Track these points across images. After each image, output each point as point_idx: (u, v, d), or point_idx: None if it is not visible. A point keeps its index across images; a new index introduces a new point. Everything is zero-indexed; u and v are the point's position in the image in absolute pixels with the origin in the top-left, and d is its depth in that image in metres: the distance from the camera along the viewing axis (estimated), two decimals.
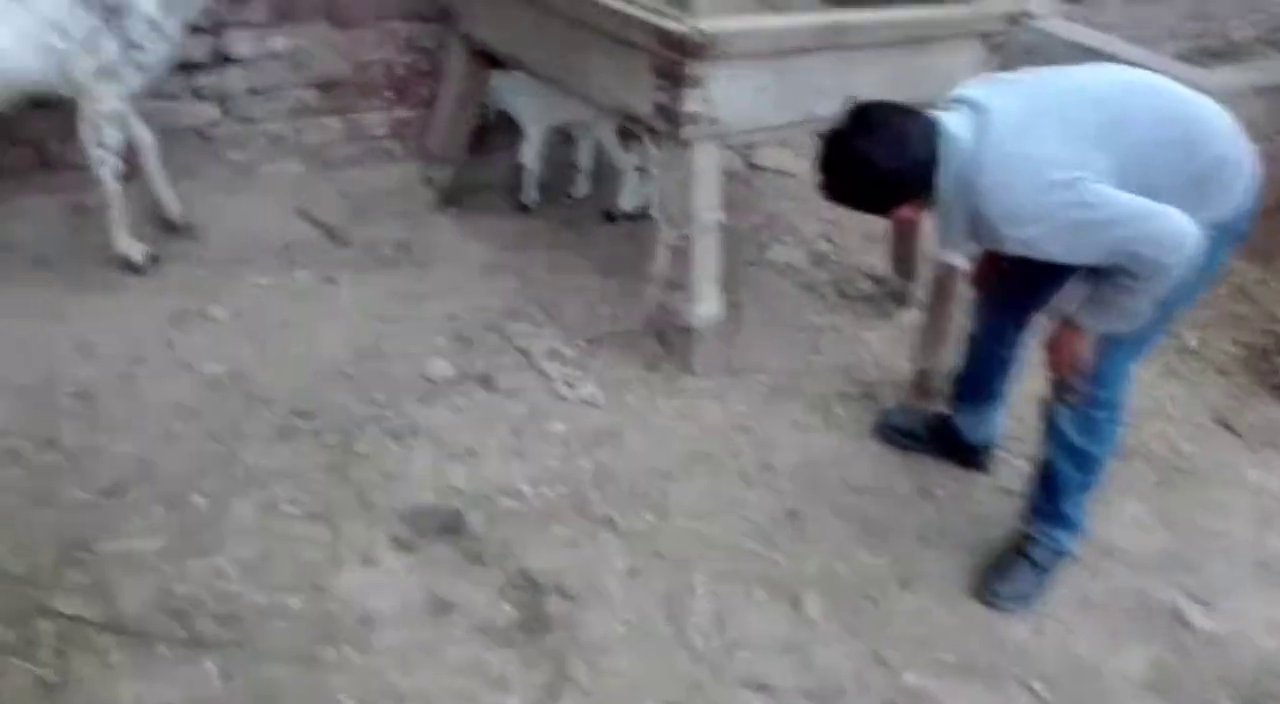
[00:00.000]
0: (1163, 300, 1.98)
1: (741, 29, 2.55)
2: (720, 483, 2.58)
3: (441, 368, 2.78)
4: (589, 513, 2.42)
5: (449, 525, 2.33)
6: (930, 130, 1.97)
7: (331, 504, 2.33)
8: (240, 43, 3.25)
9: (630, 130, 3.48)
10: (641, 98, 2.61)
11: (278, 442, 2.48)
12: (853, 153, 1.98)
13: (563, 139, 3.71)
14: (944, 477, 2.68)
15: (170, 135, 3.18)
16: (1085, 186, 1.86)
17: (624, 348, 2.98)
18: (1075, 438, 2.23)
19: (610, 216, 3.63)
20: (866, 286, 3.50)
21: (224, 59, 3.25)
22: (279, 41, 3.30)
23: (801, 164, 4.22)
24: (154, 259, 2.96)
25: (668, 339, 2.94)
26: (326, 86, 3.46)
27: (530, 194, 3.59)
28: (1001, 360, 2.54)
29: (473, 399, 2.72)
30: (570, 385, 2.80)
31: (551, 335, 2.99)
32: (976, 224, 1.98)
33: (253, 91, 3.34)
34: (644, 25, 2.49)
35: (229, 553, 2.16)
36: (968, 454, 2.69)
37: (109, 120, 2.76)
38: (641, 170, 3.58)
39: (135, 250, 2.94)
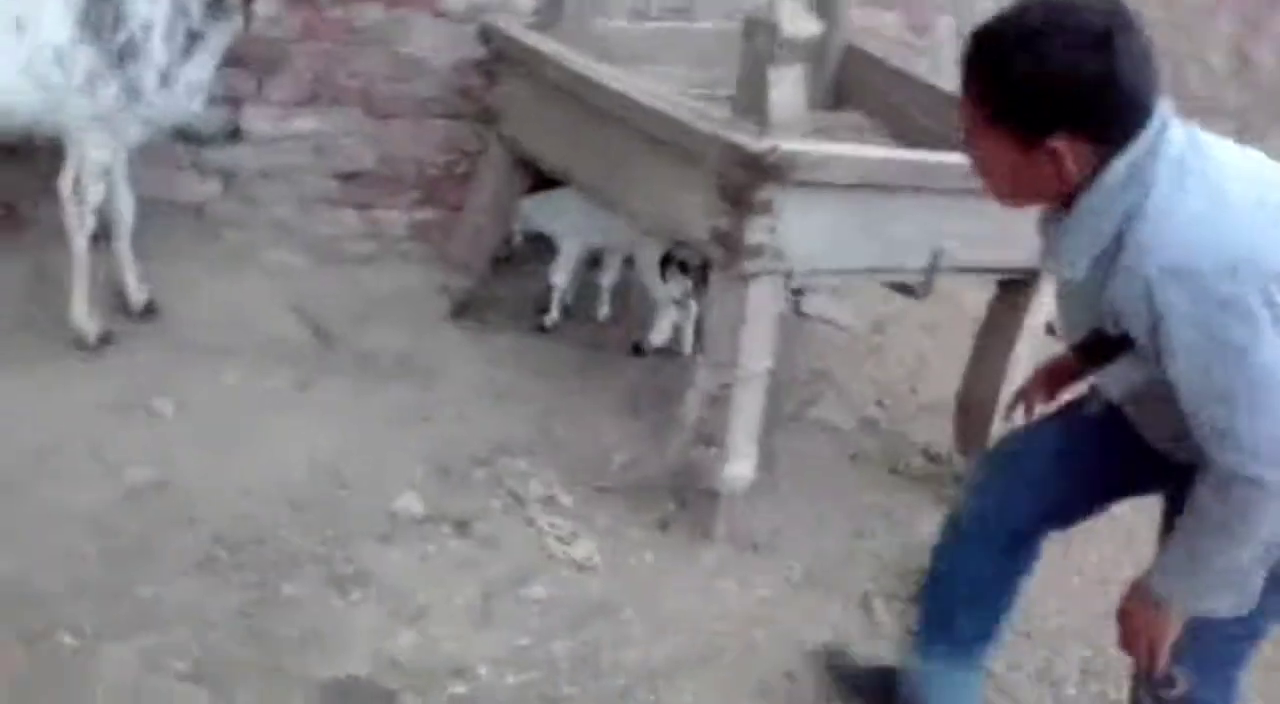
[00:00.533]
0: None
1: (826, 154, 2.20)
2: (730, 691, 2.05)
3: (411, 504, 2.31)
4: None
5: None
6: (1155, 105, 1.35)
7: (229, 664, 1.83)
8: (259, 119, 2.97)
9: (671, 257, 3.11)
10: (698, 221, 2.26)
11: (188, 574, 2.01)
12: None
13: (592, 262, 3.35)
14: None
15: (163, 209, 2.87)
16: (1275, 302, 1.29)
17: (635, 502, 2.51)
18: None
19: (638, 350, 3.22)
20: (921, 464, 3.01)
21: (236, 134, 2.95)
22: (304, 122, 3.02)
23: (854, 317, 3.81)
24: (106, 340, 2.58)
25: (688, 499, 2.47)
26: (347, 177, 3.15)
27: (553, 314, 3.21)
28: (1014, 576, 1.85)
29: (442, 547, 2.24)
30: (563, 541, 2.32)
31: (552, 478, 2.52)
32: (1109, 258, 1.38)
33: (264, 174, 3.03)
34: (712, 139, 2.16)
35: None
36: None
37: (93, 174, 2.44)
38: (679, 303, 3.19)
39: (90, 327, 2.56)
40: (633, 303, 3.35)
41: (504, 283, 3.33)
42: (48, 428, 2.29)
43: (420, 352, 2.95)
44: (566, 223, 3.18)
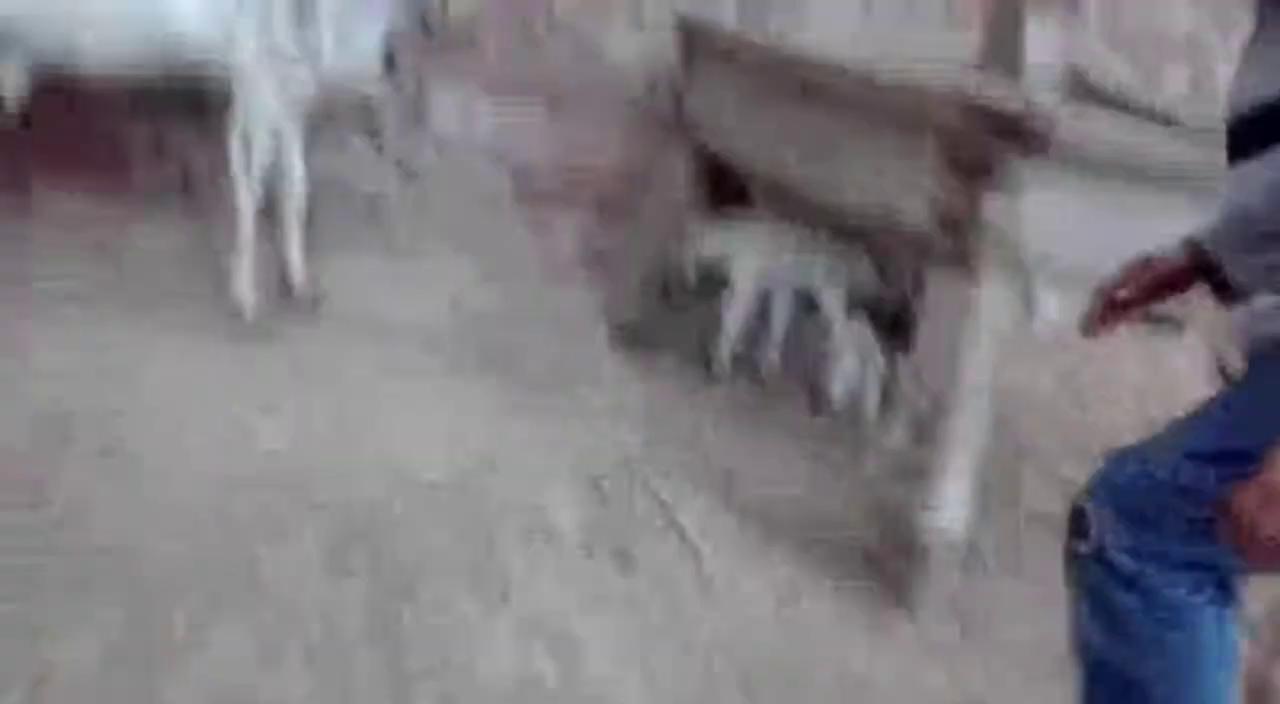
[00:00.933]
0: None
1: (1093, 125, 1.84)
2: None
3: (564, 519, 2.02)
4: None
5: None
6: None
7: (351, 660, 1.54)
8: (442, 110, 2.83)
9: (860, 297, 2.79)
10: (919, 205, 1.91)
11: (316, 560, 1.75)
12: None
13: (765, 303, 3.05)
14: None
15: (338, 196, 2.75)
16: None
17: (813, 551, 2.14)
18: None
19: (815, 401, 2.87)
20: None
21: (420, 121, 2.82)
22: (487, 116, 2.87)
23: (1053, 382, 3.38)
24: (263, 315, 2.42)
25: (881, 554, 2.09)
26: (524, 177, 2.97)
27: (721, 359, 2.89)
28: None
29: (597, 573, 1.92)
30: (732, 585, 1.97)
31: (717, 513, 2.18)
32: None
33: (442, 170, 2.88)
34: (949, 99, 1.83)
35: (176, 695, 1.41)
36: None
37: (261, 126, 2.31)
38: (863, 357, 2.85)
39: (249, 299, 2.41)
40: (809, 350, 3.03)
41: (670, 314, 3.07)
42: (189, 398, 2.11)
43: (576, 368, 2.71)
44: (745, 253, 2.90)
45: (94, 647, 1.46)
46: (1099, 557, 1.18)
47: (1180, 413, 1.19)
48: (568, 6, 2.84)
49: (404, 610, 1.67)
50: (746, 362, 2.96)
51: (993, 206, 1.78)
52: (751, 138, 2.49)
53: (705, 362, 2.90)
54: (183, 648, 1.50)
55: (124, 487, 1.82)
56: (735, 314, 2.88)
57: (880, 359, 2.88)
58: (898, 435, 1.98)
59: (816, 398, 2.87)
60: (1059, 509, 2.61)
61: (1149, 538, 1.14)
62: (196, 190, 2.71)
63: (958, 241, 1.83)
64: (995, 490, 2.54)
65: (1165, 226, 1.92)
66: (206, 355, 2.29)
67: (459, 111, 2.83)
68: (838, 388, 2.86)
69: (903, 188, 1.95)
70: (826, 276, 2.81)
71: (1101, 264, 1.87)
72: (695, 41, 2.70)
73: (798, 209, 2.65)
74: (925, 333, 1.97)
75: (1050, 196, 1.82)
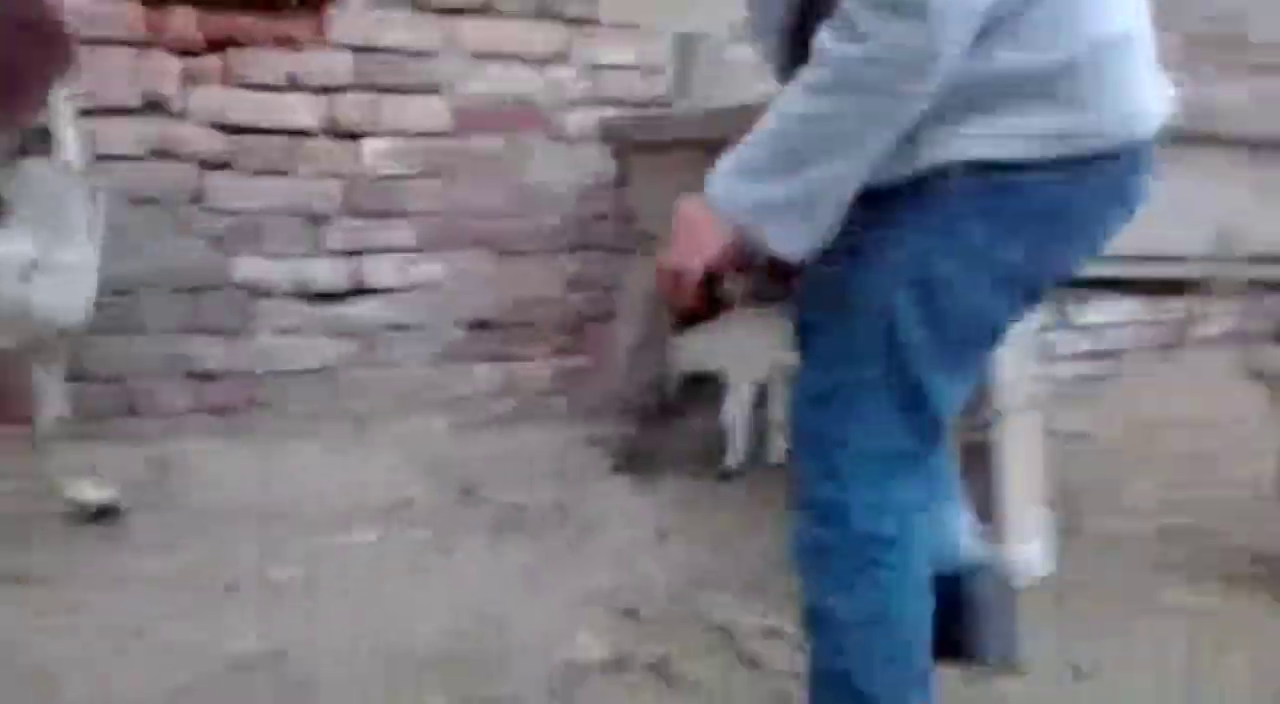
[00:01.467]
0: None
1: None
2: None
3: (589, 648, 1.72)
4: None
5: None
6: None
7: None
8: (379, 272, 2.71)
9: None
10: None
11: None
12: None
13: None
14: None
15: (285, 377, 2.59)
16: None
17: None
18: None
19: None
20: (1262, 569, 2.22)
21: (360, 291, 2.69)
22: (426, 270, 2.75)
23: (1101, 424, 3.13)
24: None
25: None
26: (477, 326, 2.82)
27: (734, 457, 2.68)
28: None
29: (635, 697, 1.62)
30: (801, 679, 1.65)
31: (762, 610, 1.89)
32: None
33: (395, 327, 2.73)
34: None
35: None
36: None
37: None
38: None
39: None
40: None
41: (664, 431, 2.85)
42: (127, 610, 1.83)
43: (576, 503, 2.46)
44: (733, 357, 2.72)
45: None
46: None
47: None
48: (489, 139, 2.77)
49: None
50: (756, 456, 2.73)
51: None
52: None
53: (721, 472, 2.66)
54: None
55: None
56: (736, 415, 2.69)
57: None
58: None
59: None
60: (1144, 536, 2.35)
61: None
62: None
63: None
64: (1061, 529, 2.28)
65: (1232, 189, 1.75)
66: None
67: (397, 271, 2.71)
68: None
69: None
70: None
71: (1172, 246, 1.70)
72: (631, 144, 2.62)
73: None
74: None
75: None
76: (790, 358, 2.60)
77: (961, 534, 1.46)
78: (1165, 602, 2.02)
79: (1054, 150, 1.02)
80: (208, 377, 2.56)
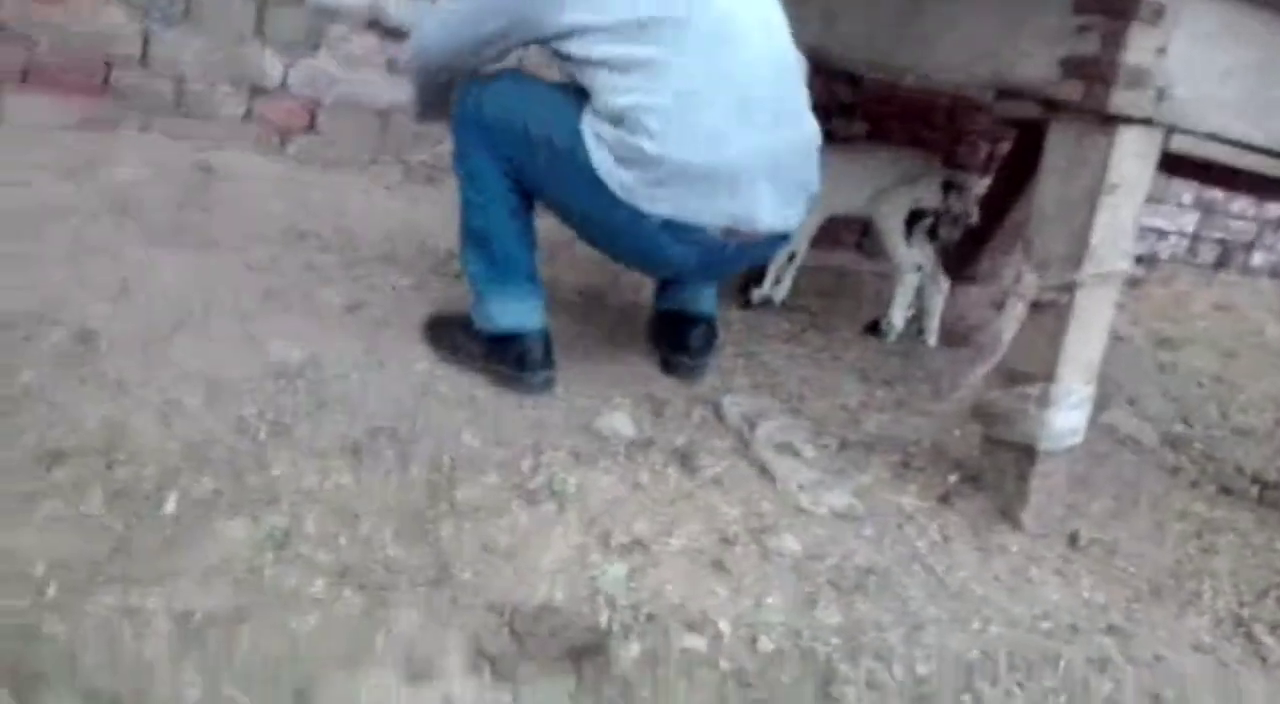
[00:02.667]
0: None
1: None
2: None
3: (619, 424, 1.77)
4: (832, 692, 1.28)
5: (580, 650, 1.23)
6: None
7: (386, 566, 1.29)
8: None
9: (921, 214, 2.54)
10: (1040, 53, 1.64)
11: (338, 458, 1.50)
12: None
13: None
14: None
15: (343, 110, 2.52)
16: None
17: (901, 468, 1.90)
18: None
19: (876, 329, 2.64)
20: (1257, 490, 2.28)
21: None
22: None
23: (1136, 328, 3.14)
24: None
25: (983, 467, 1.83)
26: None
27: (764, 289, 2.63)
28: None
29: (661, 477, 1.67)
30: (806, 490, 1.71)
31: (788, 425, 1.93)
32: None
33: None
34: None
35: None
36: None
37: None
38: (924, 275, 2.60)
39: None
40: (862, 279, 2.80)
41: None
42: (193, 298, 1.85)
43: (621, 294, 2.46)
44: None
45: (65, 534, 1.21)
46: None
47: None
48: None
49: (442, 515, 1.42)
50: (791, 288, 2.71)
51: (1139, 42, 1.51)
52: (809, 21, 2.22)
53: (744, 300, 2.63)
54: (179, 534, 1.25)
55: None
56: (786, 252, 2.63)
57: (943, 279, 2.65)
58: (1011, 324, 1.70)
59: (876, 323, 2.63)
60: (1149, 442, 2.40)
61: None
62: None
63: (1095, 87, 1.55)
64: None
65: None
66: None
67: None
68: (898, 311, 2.61)
69: (1015, 43, 1.69)
70: (885, 199, 2.57)
71: (1252, 132, 1.64)
72: None
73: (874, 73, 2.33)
74: (1045, 199, 1.67)
75: (1210, 40, 1.58)
76: (853, 197, 2.56)
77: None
78: (1165, 500, 2.09)
79: None
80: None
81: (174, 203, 2.24)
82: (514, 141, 1.67)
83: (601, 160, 1.59)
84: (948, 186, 2.54)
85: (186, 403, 1.54)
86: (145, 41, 2.37)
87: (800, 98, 1.72)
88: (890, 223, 2.59)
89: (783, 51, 1.69)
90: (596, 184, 1.59)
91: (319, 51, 2.51)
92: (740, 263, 1.83)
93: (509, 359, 1.78)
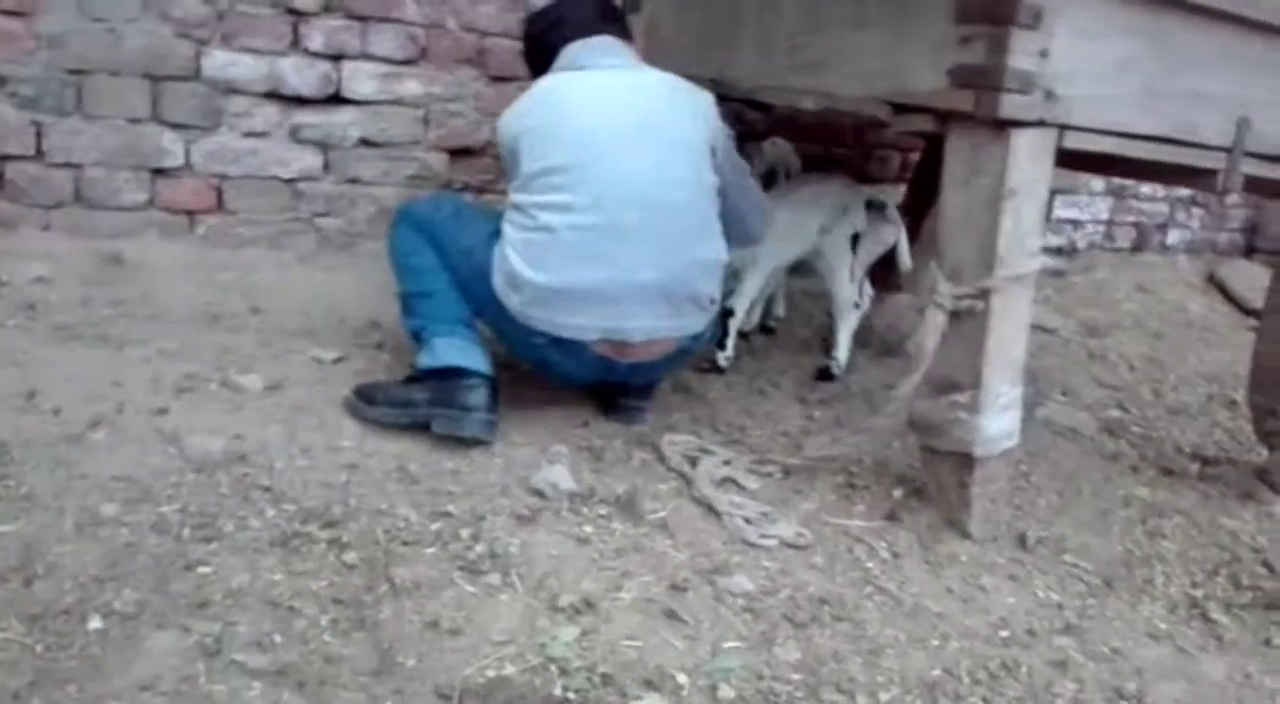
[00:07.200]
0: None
1: None
2: None
3: (558, 478, 1.74)
4: None
5: None
6: None
7: (326, 660, 1.24)
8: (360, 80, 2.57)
9: (859, 236, 2.51)
10: (929, 66, 1.66)
11: (268, 552, 1.44)
12: None
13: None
14: None
15: (250, 184, 2.48)
16: None
17: (846, 489, 1.89)
18: None
19: (828, 375, 2.53)
20: (1199, 469, 2.31)
21: (337, 98, 2.55)
22: (409, 86, 2.61)
23: (1062, 319, 3.20)
24: None
25: (929, 476, 1.83)
26: (458, 153, 2.72)
27: (728, 352, 2.44)
28: None
29: (605, 528, 1.64)
30: (753, 524, 1.70)
31: (730, 459, 1.92)
32: None
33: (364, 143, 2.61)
34: None
35: None
36: None
37: None
38: (860, 309, 2.57)
39: None
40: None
41: None
42: (105, 397, 1.79)
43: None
44: (748, 268, 2.44)
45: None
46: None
47: None
48: None
49: (377, 597, 1.38)
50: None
51: (1021, 47, 1.54)
52: (712, 48, 2.22)
53: (712, 364, 2.49)
54: (106, 654, 1.19)
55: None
56: (744, 304, 2.48)
57: (869, 290, 2.65)
58: (930, 335, 1.70)
59: (827, 370, 2.55)
60: (1087, 430, 2.43)
61: None
62: None
63: (984, 94, 1.57)
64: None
65: (1206, 82, 1.75)
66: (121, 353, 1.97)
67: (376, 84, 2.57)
68: (842, 351, 2.56)
69: (906, 56, 1.70)
70: (829, 237, 2.52)
71: (1138, 122, 1.69)
72: None
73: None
74: (949, 209, 1.69)
75: (1087, 38, 1.61)
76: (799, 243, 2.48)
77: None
78: (1108, 489, 2.11)
79: None
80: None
81: (81, 299, 2.18)
82: (448, 243, 1.89)
83: (499, 283, 1.85)
84: (869, 205, 2.54)
85: (103, 510, 1.48)
86: (38, 135, 2.32)
87: (698, 219, 1.89)
88: (836, 260, 2.53)
89: (679, 182, 1.85)
90: (498, 303, 1.86)
91: (220, 127, 2.47)
92: (648, 374, 1.99)
93: (454, 399, 1.81)
